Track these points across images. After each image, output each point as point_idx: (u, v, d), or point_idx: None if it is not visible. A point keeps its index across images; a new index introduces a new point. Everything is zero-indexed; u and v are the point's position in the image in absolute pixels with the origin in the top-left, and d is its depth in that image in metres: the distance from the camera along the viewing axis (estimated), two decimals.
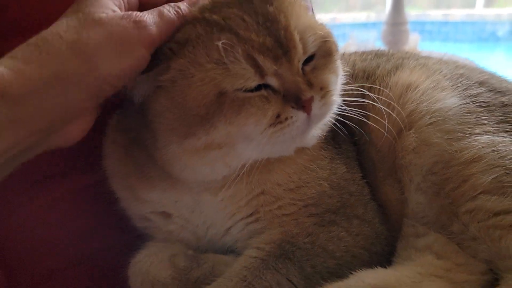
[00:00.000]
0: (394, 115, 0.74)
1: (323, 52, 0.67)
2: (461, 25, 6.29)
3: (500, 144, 0.67)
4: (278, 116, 0.62)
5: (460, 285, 0.61)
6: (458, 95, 0.74)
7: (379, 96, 0.76)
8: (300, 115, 0.62)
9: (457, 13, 6.63)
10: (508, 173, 0.64)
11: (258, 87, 0.62)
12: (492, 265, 0.64)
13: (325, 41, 0.67)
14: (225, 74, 0.60)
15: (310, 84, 0.64)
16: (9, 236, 0.79)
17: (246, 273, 0.62)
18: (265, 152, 0.66)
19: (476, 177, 0.65)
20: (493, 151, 0.66)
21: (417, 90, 0.75)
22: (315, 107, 0.63)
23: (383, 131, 0.75)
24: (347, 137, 0.76)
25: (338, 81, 0.70)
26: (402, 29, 2.10)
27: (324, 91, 0.65)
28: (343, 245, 0.67)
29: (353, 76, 0.83)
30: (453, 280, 0.62)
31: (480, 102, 0.73)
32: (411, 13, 2.28)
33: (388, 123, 0.75)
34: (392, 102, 0.74)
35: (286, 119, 0.62)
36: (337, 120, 0.74)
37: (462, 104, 0.72)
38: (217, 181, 0.69)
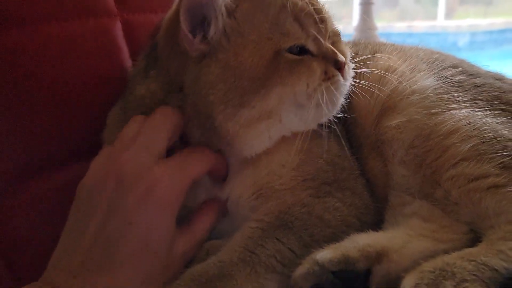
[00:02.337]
0: (376, 96, 0.79)
1: (335, 31, 0.76)
2: (424, 36, 6.57)
3: (475, 117, 0.73)
4: (325, 73, 0.70)
5: (446, 243, 0.65)
6: (434, 76, 0.80)
7: (361, 80, 0.82)
8: (339, 75, 0.71)
9: (421, 25, 6.94)
10: (483, 142, 0.70)
11: (301, 52, 0.68)
12: (473, 226, 0.68)
13: None
14: (280, 33, 0.66)
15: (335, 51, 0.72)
16: (6, 224, 0.79)
17: (248, 242, 0.65)
18: (305, 121, 0.71)
19: (455, 146, 0.70)
20: (469, 123, 0.72)
21: (396, 72, 0.81)
22: (347, 70, 0.73)
23: (366, 110, 0.80)
24: (336, 118, 0.81)
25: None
26: (372, 34, 2.20)
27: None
28: (338, 215, 0.70)
29: None
30: (439, 239, 0.66)
31: (455, 82, 0.79)
32: (378, 25, 2.40)
33: (370, 104, 0.80)
34: (373, 84, 0.80)
35: (333, 76, 0.70)
36: None
37: (438, 83, 0.78)
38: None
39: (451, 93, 0.77)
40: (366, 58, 0.86)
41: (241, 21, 0.66)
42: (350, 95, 0.81)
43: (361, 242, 0.64)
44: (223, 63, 0.66)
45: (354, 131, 0.82)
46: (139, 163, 0.61)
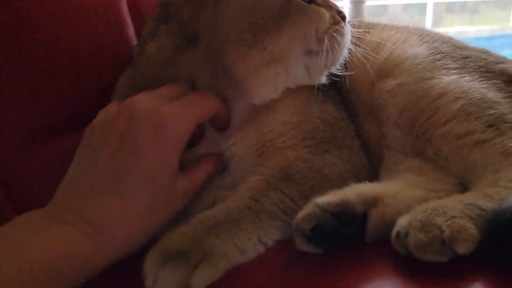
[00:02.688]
0: (371, 64, 0.84)
1: None
2: None
3: (462, 81, 0.79)
4: (333, 18, 0.75)
5: (437, 192, 0.70)
6: (425, 46, 0.85)
7: (357, 50, 0.87)
8: (344, 24, 0.76)
9: None
10: (470, 103, 0.75)
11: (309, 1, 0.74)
12: (462, 179, 0.73)
13: None
14: None
15: None
16: (17, 184, 0.82)
17: (253, 192, 0.68)
18: (311, 72, 0.78)
19: (445, 107, 0.76)
20: (457, 86, 0.77)
21: (389, 42, 0.86)
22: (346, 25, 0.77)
23: (361, 77, 0.85)
24: (332, 85, 0.86)
25: None
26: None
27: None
28: (336, 170, 0.74)
29: None
30: (431, 189, 0.71)
31: (444, 52, 0.85)
32: None
33: (365, 72, 0.85)
34: (368, 52, 0.85)
35: (339, 22, 0.75)
36: None
37: (429, 53, 0.84)
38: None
39: (441, 60, 0.82)
40: (362, 31, 0.92)
41: None
42: (346, 64, 0.87)
43: (358, 189, 0.69)
44: (241, 1, 0.70)
45: (349, 97, 0.87)
46: (149, 103, 0.66)
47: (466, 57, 0.86)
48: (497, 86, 0.80)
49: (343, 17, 0.77)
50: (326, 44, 0.73)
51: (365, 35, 0.88)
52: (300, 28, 0.72)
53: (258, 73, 0.72)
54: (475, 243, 0.59)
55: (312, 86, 0.81)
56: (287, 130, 0.78)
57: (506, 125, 0.73)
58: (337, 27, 0.75)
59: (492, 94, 0.78)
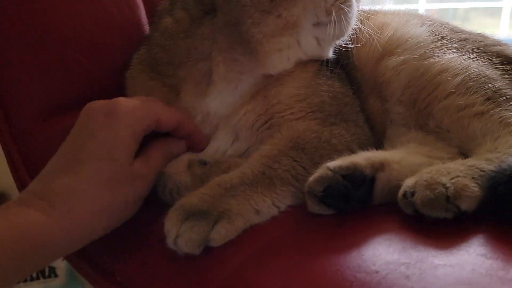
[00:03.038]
0: (375, 44, 0.88)
1: None
2: None
3: (462, 59, 0.83)
4: None
5: (440, 160, 0.73)
6: (426, 28, 0.90)
7: (361, 30, 0.92)
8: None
9: None
10: (470, 78, 0.79)
11: None
12: (463, 149, 0.77)
13: None
14: None
15: None
16: (29, 156, 0.84)
17: (265, 159, 0.72)
18: (322, 43, 0.82)
19: (446, 82, 0.80)
20: (457, 64, 0.82)
21: (392, 25, 0.91)
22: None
23: (366, 56, 0.90)
24: (338, 63, 0.90)
25: None
26: None
27: None
28: (344, 140, 0.78)
29: None
30: (434, 157, 0.75)
31: (444, 34, 0.89)
32: None
33: (369, 51, 0.89)
34: (372, 32, 0.89)
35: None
36: None
37: (430, 33, 0.88)
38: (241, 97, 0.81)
39: (441, 40, 0.87)
40: (365, 17, 0.96)
41: None
42: (351, 42, 0.91)
43: (366, 154, 0.72)
44: None
45: (355, 75, 0.91)
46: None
47: (464, 39, 0.90)
48: (493, 65, 0.85)
49: None
50: (334, 16, 0.77)
51: (369, 18, 0.93)
52: None
53: (273, 40, 0.77)
54: (478, 200, 0.63)
55: (319, 63, 0.85)
56: (295, 102, 0.81)
57: (503, 98, 0.78)
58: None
59: (490, 71, 0.82)
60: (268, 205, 0.68)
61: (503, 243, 0.58)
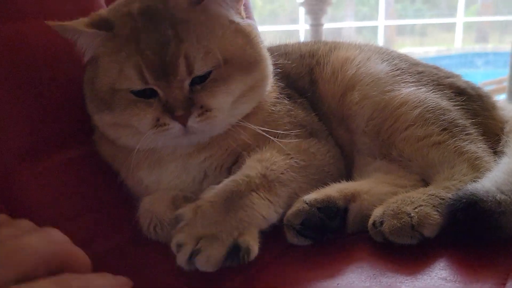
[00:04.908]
0: (339, 80, 0.96)
1: (218, 74, 0.78)
2: None
3: (419, 93, 0.91)
4: (158, 119, 0.77)
5: (403, 188, 0.80)
6: (386, 64, 0.98)
7: (325, 69, 0.99)
8: (176, 125, 0.76)
9: None
10: (427, 110, 0.87)
11: (151, 94, 0.77)
12: (423, 176, 0.85)
13: (223, 64, 0.78)
14: (119, 74, 0.77)
15: (192, 102, 0.76)
16: (19, 192, 0.86)
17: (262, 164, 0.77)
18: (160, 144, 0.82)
19: (405, 114, 0.87)
20: (415, 97, 0.90)
21: (354, 60, 0.98)
22: (192, 121, 0.76)
23: (331, 92, 0.97)
24: (301, 95, 0.97)
25: (228, 101, 0.80)
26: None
27: (203, 109, 0.77)
28: (321, 151, 0.86)
29: (301, 56, 1.05)
30: (398, 185, 0.82)
31: (402, 68, 0.98)
32: None
33: (334, 86, 0.97)
34: (336, 70, 0.97)
35: (165, 124, 0.77)
36: (289, 86, 0.96)
37: (389, 69, 0.96)
38: (196, 145, 0.84)
39: (400, 75, 0.95)
40: (328, 51, 1.04)
41: (109, 47, 0.80)
42: (316, 81, 0.98)
43: (338, 186, 0.79)
44: (93, 70, 0.82)
45: (321, 108, 0.98)
46: None
47: (421, 72, 0.99)
48: (447, 96, 0.93)
49: (177, 117, 0.76)
50: (151, 137, 0.79)
51: (332, 51, 1.01)
52: (123, 119, 0.81)
53: (113, 131, 0.85)
54: (439, 227, 0.70)
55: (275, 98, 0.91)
56: (259, 134, 0.83)
57: (457, 128, 0.86)
58: (161, 129, 0.78)
59: (445, 103, 0.91)
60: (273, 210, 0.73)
61: (461, 266, 0.66)
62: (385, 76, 0.94)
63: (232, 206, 0.69)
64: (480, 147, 0.84)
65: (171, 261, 0.67)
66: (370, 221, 0.73)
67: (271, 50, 1.09)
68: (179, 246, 0.66)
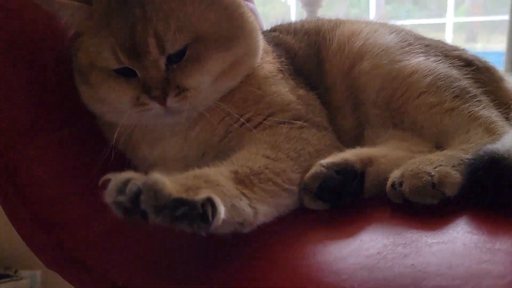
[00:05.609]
0: (347, 52, 0.95)
1: (193, 52, 0.75)
2: None
3: (428, 62, 0.91)
4: (138, 98, 0.75)
5: (419, 153, 0.79)
6: (394, 35, 0.97)
7: (332, 44, 0.98)
8: (155, 105, 0.75)
9: None
10: (438, 78, 0.87)
11: (130, 73, 0.75)
12: (438, 143, 0.84)
13: (197, 41, 0.75)
14: (97, 52, 0.76)
15: (167, 82, 0.74)
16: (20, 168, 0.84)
17: (240, 161, 0.69)
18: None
19: (417, 82, 0.87)
20: (425, 66, 0.89)
21: (361, 33, 0.98)
22: (170, 101, 0.74)
23: (338, 66, 0.96)
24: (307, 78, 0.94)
25: (205, 80, 0.77)
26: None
27: (180, 89, 0.74)
28: (316, 137, 0.81)
29: (305, 33, 1.04)
30: (414, 151, 0.81)
31: (410, 40, 0.97)
32: None
33: (341, 59, 0.96)
34: (343, 43, 0.96)
35: (145, 104, 0.75)
36: (296, 71, 0.94)
37: (398, 40, 0.96)
38: (192, 119, 0.81)
39: (408, 46, 0.95)
40: (333, 26, 1.03)
41: (91, 24, 0.78)
42: (323, 60, 0.97)
43: (355, 151, 0.78)
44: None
45: (327, 85, 0.96)
46: None
47: (428, 45, 0.99)
48: (456, 67, 0.93)
49: (154, 98, 0.75)
50: (134, 116, 0.78)
51: (337, 27, 1.00)
52: (101, 95, 0.80)
53: (99, 105, 0.84)
54: (459, 186, 0.69)
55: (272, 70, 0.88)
56: (248, 107, 0.81)
57: (469, 95, 0.86)
58: (142, 108, 0.76)
59: (454, 72, 0.90)
60: (245, 204, 0.61)
61: (484, 221, 0.65)
62: (395, 46, 0.93)
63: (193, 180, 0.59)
64: (493, 112, 0.84)
65: (170, 241, 0.65)
66: (389, 182, 0.72)
67: (277, 29, 1.08)
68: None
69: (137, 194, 0.52)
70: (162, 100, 0.74)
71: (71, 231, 0.83)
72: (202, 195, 0.54)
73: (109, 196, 0.55)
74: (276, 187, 0.68)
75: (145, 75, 0.75)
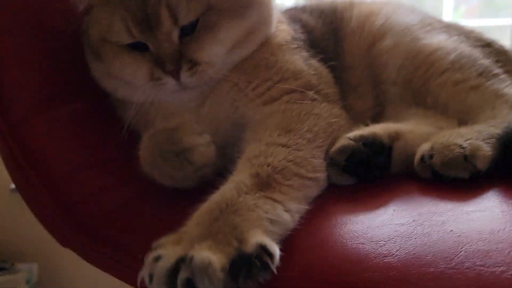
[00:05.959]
0: (367, 30, 0.94)
1: (205, 22, 0.73)
2: None
3: (451, 40, 0.90)
4: (153, 74, 0.73)
5: (441, 128, 0.79)
6: (415, 15, 0.97)
7: (350, 23, 0.97)
8: (170, 80, 0.73)
9: None
10: (461, 56, 0.87)
11: (143, 48, 0.74)
12: (461, 121, 0.83)
13: (211, 10, 0.73)
14: (109, 27, 0.75)
15: (180, 55, 0.72)
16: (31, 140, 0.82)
17: (255, 160, 0.63)
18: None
19: (440, 60, 0.86)
20: (448, 44, 0.89)
21: (380, 12, 0.97)
22: (183, 76, 0.72)
23: (357, 45, 0.94)
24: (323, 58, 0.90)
25: (219, 52, 0.75)
26: None
27: (193, 63, 0.72)
28: (326, 111, 0.77)
29: (321, 12, 1.03)
30: (439, 127, 0.80)
31: (430, 21, 0.97)
32: None
33: (360, 39, 0.94)
34: (361, 22, 0.95)
35: (159, 78, 0.73)
36: (311, 45, 0.90)
37: (419, 19, 0.95)
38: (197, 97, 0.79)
39: (429, 25, 0.94)
40: (349, 5, 1.02)
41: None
42: (340, 38, 0.96)
43: (381, 126, 0.76)
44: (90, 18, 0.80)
45: (345, 65, 0.94)
46: None
47: (447, 25, 0.98)
48: (477, 46, 0.92)
49: (168, 72, 0.73)
50: (149, 91, 0.77)
51: (353, 7, 0.99)
52: (115, 70, 0.79)
53: (112, 80, 0.82)
54: (490, 160, 0.68)
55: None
56: (259, 72, 0.78)
57: (491, 73, 0.85)
58: (158, 83, 0.75)
59: (476, 51, 0.90)
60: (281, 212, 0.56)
61: None
62: (416, 24, 0.93)
63: (222, 218, 0.52)
64: None
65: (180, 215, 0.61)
66: (418, 155, 0.71)
67: (292, 8, 1.07)
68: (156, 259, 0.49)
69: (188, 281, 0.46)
70: (176, 75, 0.72)
71: (88, 206, 0.81)
72: (249, 242, 0.48)
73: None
74: (302, 179, 0.63)
75: (158, 49, 0.73)
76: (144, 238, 0.71)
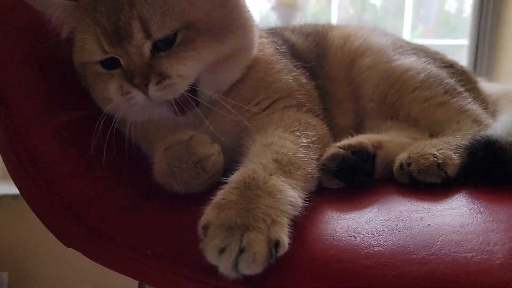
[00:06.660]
0: (347, 49, 1.05)
1: (183, 39, 0.74)
2: None
3: (420, 61, 1.03)
4: (122, 87, 0.74)
5: (415, 139, 0.90)
6: (387, 38, 1.09)
7: (332, 41, 1.08)
8: (138, 93, 0.73)
9: None
10: (430, 76, 0.99)
11: (115, 64, 0.75)
12: (431, 134, 0.94)
13: (191, 28, 0.74)
14: (82, 47, 0.77)
15: (150, 69, 0.72)
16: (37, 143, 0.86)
17: (270, 147, 0.72)
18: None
19: (411, 78, 0.98)
20: (418, 64, 1.01)
21: (357, 34, 1.09)
22: (152, 90, 0.72)
23: (337, 64, 1.06)
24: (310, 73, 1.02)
25: (191, 67, 0.75)
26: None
27: (163, 77, 0.73)
28: (320, 125, 0.87)
29: (303, 33, 1.14)
30: (413, 138, 0.91)
31: (401, 43, 1.09)
32: None
33: (342, 56, 1.06)
34: (341, 42, 1.06)
35: (128, 92, 0.74)
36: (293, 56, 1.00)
37: (391, 42, 1.07)
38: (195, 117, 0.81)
39: (401, 48, 1.06)
40: (329, 27, 1.13)
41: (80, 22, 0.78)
42: (323, 54, 1.06)
43: (365, 136, 0.87)
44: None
45: (329, 78, 1.06)
46: None
47: (415, 48, 1.11)
48: (442, 67, 1.05)
49: (136, 85, 0.74)
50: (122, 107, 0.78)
51: (333, 29, 1.10)
52: (96, 92, 0.82)
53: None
54: (458, 167, 0.79)
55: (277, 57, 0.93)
56: (257, 92, 0.85)
57: (456, 91, 0.98)
58: (127, 97, 0.76)
59: (442, 72, 1.03)
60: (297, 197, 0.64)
61: (483, 193, 0.75)
62: (390, 46, 1.05)
63: (255, 194, 0.60)
64: (478, 107, 0.96)
65: (184, 217, 0.69)
66: (396, 163, 0.81)
67: (280, 28, 1.17)
68: (221, 250, 0.54)
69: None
70: (144, 88, 0.73)
71: (90, 207, 0.85)
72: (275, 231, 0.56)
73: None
74: (307, 174, 0.71)
75: (128, 62, 0.73)
76: (146, 236, 0.78)
